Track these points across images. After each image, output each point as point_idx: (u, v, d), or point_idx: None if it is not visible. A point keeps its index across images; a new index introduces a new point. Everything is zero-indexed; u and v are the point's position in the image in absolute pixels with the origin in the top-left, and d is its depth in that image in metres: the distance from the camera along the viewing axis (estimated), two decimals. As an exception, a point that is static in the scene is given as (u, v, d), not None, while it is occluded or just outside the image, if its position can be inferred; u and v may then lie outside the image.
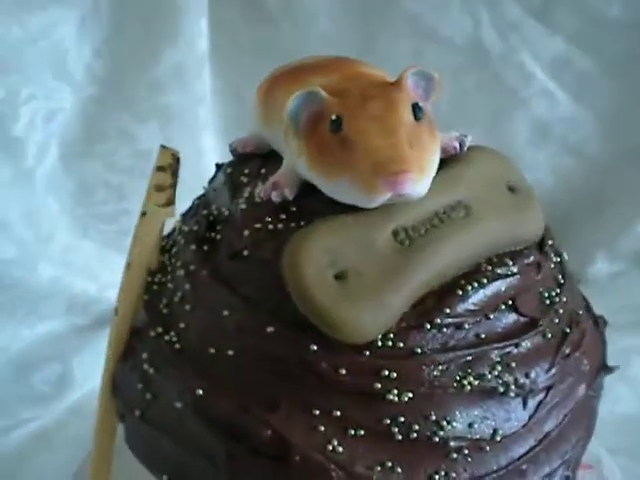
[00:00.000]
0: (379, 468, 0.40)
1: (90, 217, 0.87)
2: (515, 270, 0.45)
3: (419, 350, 0.42)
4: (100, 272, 0.85)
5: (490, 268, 0.44)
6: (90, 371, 0.78)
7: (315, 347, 0.41)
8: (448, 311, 0.43)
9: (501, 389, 0.43)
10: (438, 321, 0.42)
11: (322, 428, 0.41)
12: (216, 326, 0.44)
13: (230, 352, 0.43)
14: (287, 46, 0.88)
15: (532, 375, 0.44)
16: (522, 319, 0.45)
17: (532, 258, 0.46)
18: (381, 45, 0.88)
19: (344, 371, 0.41)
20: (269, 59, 0.89)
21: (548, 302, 0.46)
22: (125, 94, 0.84)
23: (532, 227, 0.47)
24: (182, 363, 0.44)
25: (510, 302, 0.45)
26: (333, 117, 0.41)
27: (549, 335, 0.45)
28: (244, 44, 0.88)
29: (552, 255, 0.49)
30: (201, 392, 0.42)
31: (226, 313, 0.43)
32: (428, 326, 0.42)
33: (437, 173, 0.42)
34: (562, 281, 0.48)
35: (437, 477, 0.41)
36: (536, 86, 0.88)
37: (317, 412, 0.41)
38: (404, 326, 0.42)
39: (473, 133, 0.86)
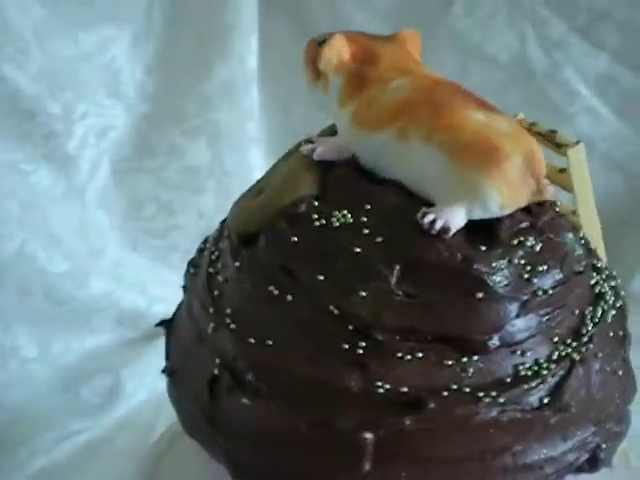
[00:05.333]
0: None
1: (140, 232, 0.88)
2: None
3: None
4: (150, 286, 0.85)
5: None
6: (140, 383, 0.79)
7: None
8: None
9: None
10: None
11: None
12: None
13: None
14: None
15: None
16: None
17: None
18: (425, 61, 0.88)
19: None
20: (317, 76, 0.90)
21: None
22: (175, 110, 0.84)
23: None
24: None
25: None
26: None
27: None
28: (293, 61, 0.88)
29: None
30: None
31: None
32: None
33: None
34: None
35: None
36: (580, 103, 0.88)
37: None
38: None
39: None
